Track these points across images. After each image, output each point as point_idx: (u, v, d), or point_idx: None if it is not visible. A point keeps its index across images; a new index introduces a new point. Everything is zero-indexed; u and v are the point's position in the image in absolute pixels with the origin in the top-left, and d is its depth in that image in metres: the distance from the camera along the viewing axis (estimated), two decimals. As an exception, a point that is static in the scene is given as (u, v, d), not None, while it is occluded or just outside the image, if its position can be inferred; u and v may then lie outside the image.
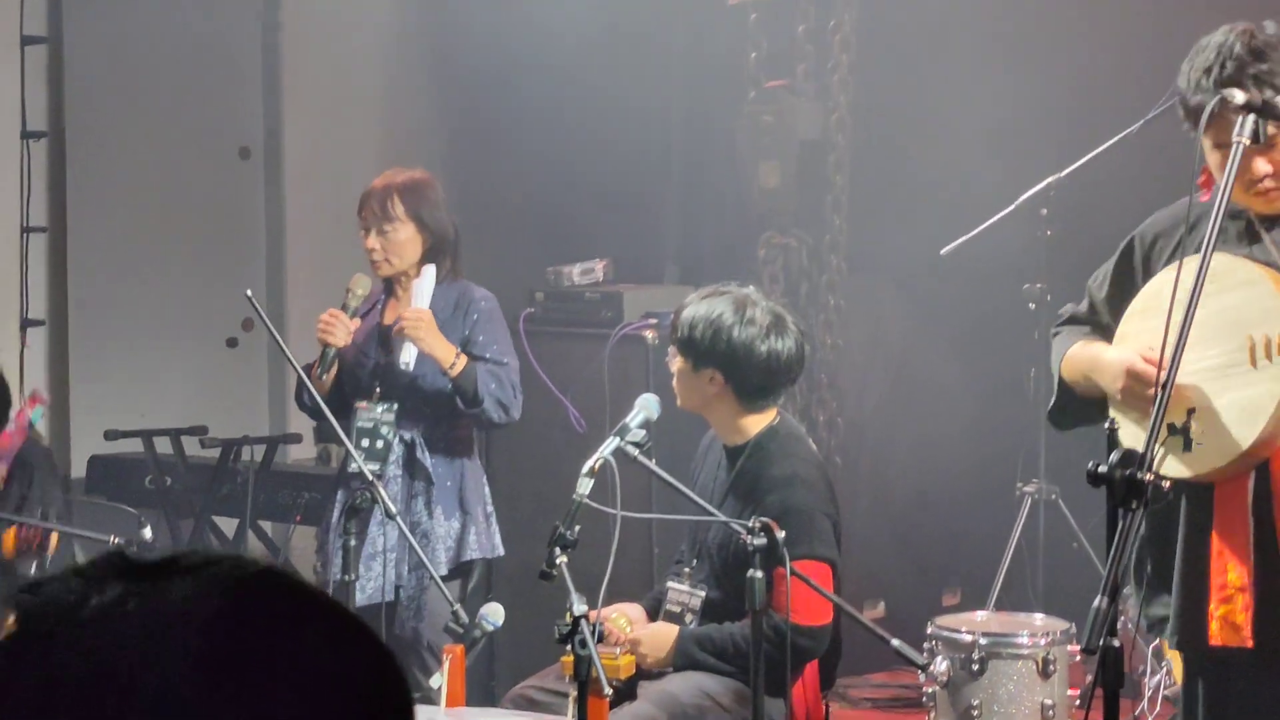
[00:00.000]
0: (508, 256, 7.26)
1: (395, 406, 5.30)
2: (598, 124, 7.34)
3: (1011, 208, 6.10)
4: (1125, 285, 3.80)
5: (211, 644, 1.09)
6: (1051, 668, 4.78)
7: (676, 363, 4.75)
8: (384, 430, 5.28)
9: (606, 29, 7.25)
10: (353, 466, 5.09)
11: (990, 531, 6.59)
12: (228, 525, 7.05)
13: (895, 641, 4.14)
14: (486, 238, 6.87)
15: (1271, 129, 3.47)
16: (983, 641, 4.81)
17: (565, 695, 4.49)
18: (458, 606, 4.52)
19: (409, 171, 5.46)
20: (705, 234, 7.61)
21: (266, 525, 7.14)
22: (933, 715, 4.86)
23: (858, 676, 6.54)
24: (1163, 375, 3.15)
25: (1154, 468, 3.04)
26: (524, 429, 5.80)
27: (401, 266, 5.38)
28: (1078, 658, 4.81)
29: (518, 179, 7.77)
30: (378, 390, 5.34)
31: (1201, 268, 3.23)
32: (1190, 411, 3.52)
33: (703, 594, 4.73)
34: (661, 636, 4.69)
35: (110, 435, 6.99)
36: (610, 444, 4.35)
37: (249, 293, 4.83)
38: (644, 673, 4.67)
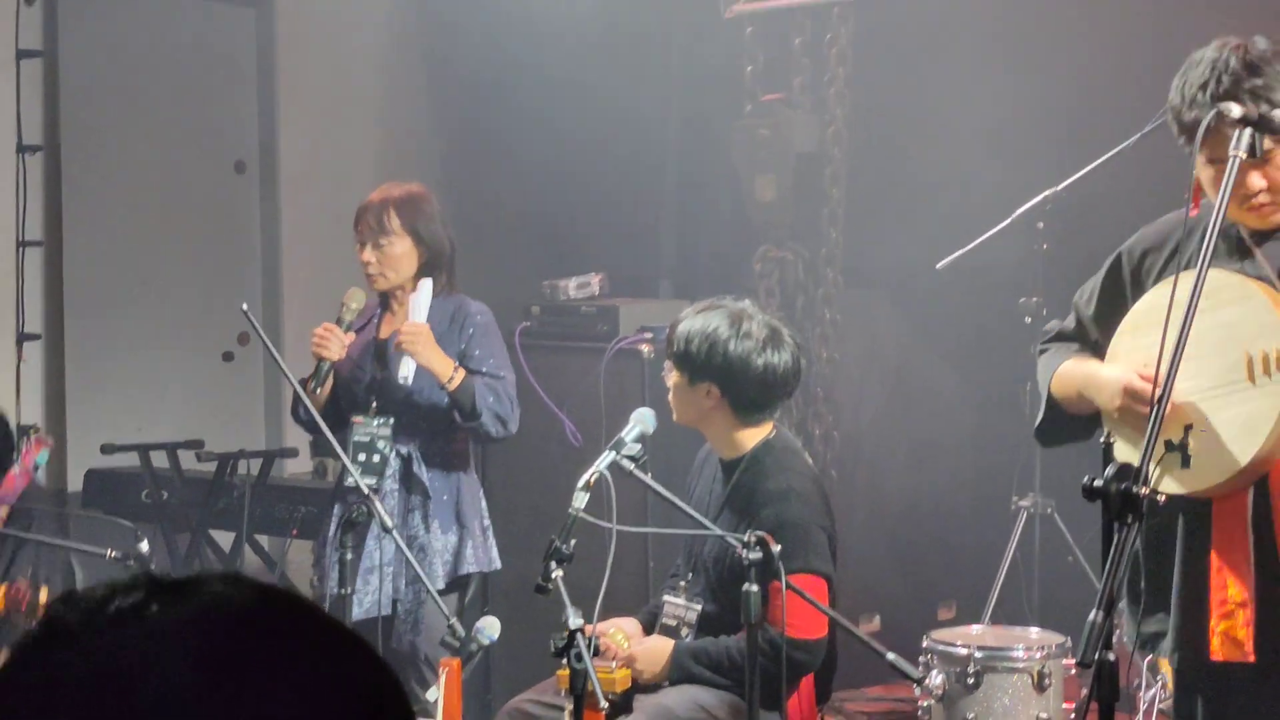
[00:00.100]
0: (503, 270, 7.27)
1: (391, 421, 5.30)
2: (594, 138, 7.35)
3: (1007, 221, 6.09)
4: (1113, 301, 3.79)
5: (212, 645, 1.09)
6: (1047, 681, 4.78)
7: (672, 377, 4.74)
8: (380, 444, 5.28)
9: (603, 43, 7.27)
10: (349, 481, 5.09)
11: (986, 545, 6.59)
12: (224, 539, 7.04)
13: (891, 655, 4.13)
14: (482, 251, 6.87)
15: (1268, 143, 3.48)
16: (978, 655, 4.81)
17: (561, 709, 4.49)
18: (454, 620, 4.52)
19: (405, 185, 5.45)
20: (701, 247, 7.62)
21: (263, 539, 7.13)
22: (929, 729, 4.87)
23: (853, 690, 6.53)
24: (1158, 391, 3.15)
25: (1151, 484, 3.04)
26: (520, 443, 5.80)
27: (397, 280, 5.38)
28: (1073, 671, 4.82)
29: (513, 193, 7.78)
30: (374, 404, 5.33)
31: (1197, 283, 3.22)
32: (1188, 428, 3.52)
33: (698, 608, 4.73)
34: (657, 650, 4.68)
35: (107, 449, 6.98)
36: (606, 458, 4.35)
37: (245, 307, 4.82)
38: (640, 686, 4.66)
